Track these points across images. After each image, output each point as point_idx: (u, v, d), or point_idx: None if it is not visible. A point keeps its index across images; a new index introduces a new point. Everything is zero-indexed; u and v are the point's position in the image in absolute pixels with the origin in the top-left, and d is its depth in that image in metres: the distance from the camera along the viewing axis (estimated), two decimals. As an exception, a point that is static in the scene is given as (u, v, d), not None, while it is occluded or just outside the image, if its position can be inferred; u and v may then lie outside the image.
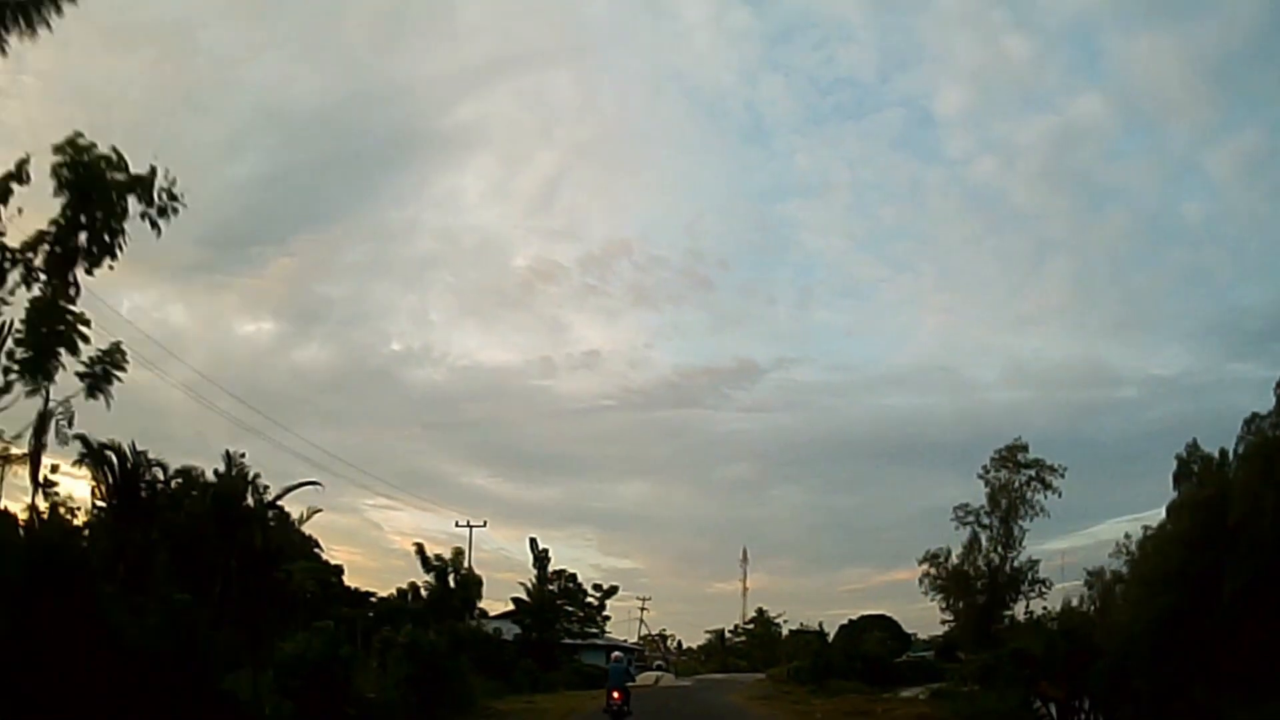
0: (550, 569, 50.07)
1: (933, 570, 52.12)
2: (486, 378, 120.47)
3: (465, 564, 42.65)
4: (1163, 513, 25.41)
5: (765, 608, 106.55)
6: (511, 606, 51.17)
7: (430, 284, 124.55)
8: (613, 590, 56.83)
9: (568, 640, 52.89)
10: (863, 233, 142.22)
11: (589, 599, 54.93)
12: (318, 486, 27.90)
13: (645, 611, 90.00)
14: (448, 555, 41.91)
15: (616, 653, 26.94)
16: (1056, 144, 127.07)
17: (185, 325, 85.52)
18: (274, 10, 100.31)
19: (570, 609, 52.69)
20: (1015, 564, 49.98)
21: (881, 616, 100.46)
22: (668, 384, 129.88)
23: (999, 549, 49.94)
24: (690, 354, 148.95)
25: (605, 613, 56.61)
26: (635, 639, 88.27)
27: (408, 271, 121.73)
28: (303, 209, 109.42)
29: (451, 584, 40.99)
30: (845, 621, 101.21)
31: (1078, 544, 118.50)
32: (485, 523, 51.60)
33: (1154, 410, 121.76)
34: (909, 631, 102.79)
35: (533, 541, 50.96)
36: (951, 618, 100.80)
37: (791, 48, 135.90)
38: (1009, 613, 49.73)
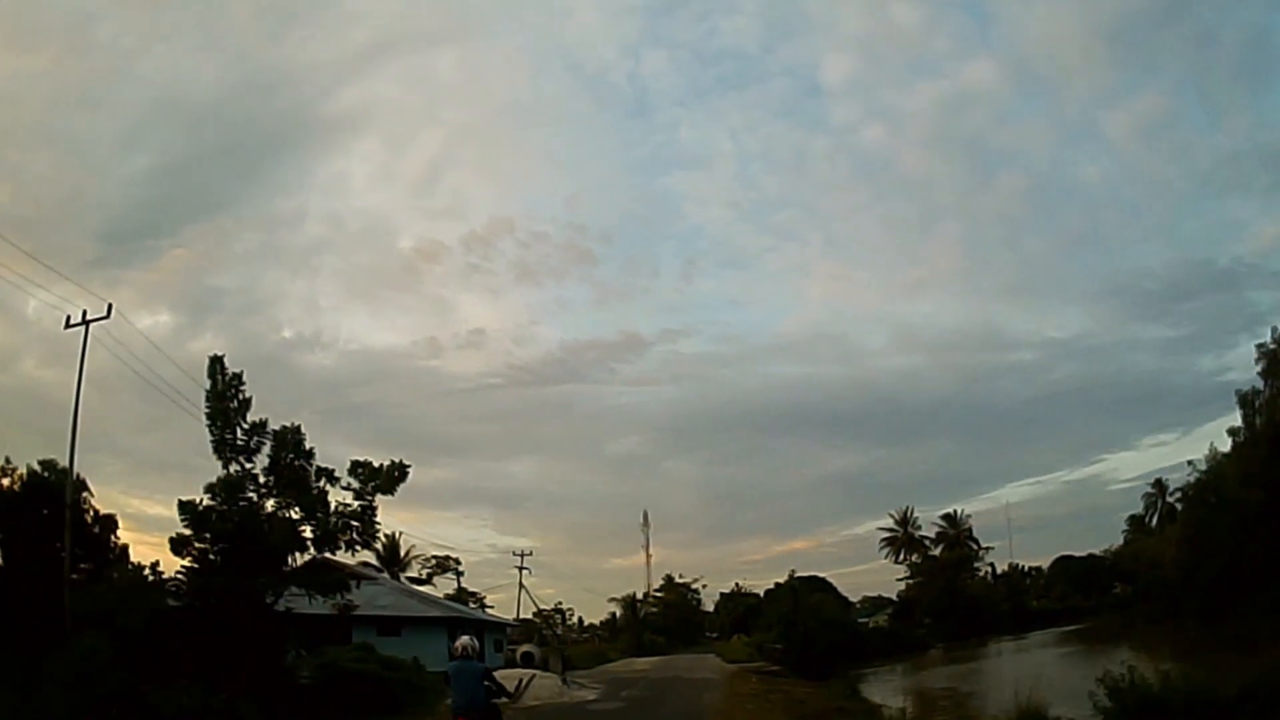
0: (249, 417, 19.64)
1: None
2: (376, 361, 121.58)
3: None
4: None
5: (674, 575, 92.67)
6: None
7: (319, 269, 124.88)
8: (398, 473, 20.72)
9: (286, 598, 20.38)
10: (747, 203, 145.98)
11: (336, 490, 20.23)
12: None
13: (526, 573, 66.69)
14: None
15: (464, 638, 10.84)
16: (946, 110, 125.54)
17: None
18: (167, 0, 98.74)
19: (297, 515, 19.48)
20: None
21: (815, 578, 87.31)
22: (554, 360, 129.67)
23: None
24: (575, 329, 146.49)
25: (380, 527, 20.82)
26: (518, 615, 65.03)
27: (296, 258, 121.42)
28: (194, 200, 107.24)
29: None
30: (771, 586, 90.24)
31: (978, 509, 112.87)
32: (110, 310, 21.87)
33: (1052, 373, 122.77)
34: (843, 595, 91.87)
35: (214, 363, 20.29)
36: (908, 574, 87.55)
37: (674, 20, 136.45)
38: None
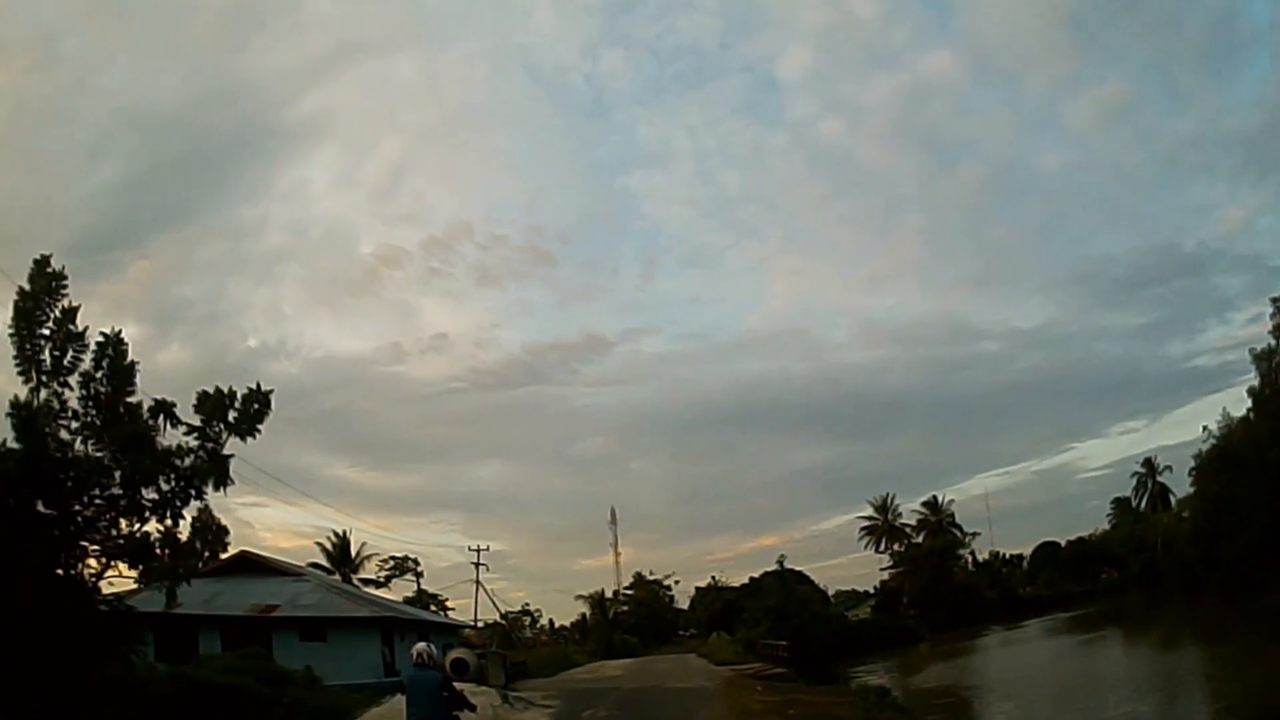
0: (73, 337, 13.62)
1: None
2: (340, 367, 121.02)
3: None
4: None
5: (644, 573, 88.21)
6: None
7: (282, 277, 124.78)
8: (256, 406, 14.50)
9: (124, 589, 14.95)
10: (706, 200, 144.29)
11: (170, 432, 14.05)
12: None
13: (496, 576, 61.53)
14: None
15: (421, 644, 10.16)
16: (906, 101, 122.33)
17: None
18: (129, 12, 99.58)
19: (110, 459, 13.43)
20: None
21: (795, 571, 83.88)
22: (517, 362, 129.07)
23: None
24: (537, 331, 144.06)
25: (230, 477, 14.34)
26: (476, 616, 59.64)
27: (260, 266, 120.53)
28: (158, 211, 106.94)
29: None
30: (746, 581, 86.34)
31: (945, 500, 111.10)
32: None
33: (1018, 363, 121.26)
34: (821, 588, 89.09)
35: (39, 263, 13.94)
36: (892, 563, 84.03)
37: (632, 19, 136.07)
38: None
